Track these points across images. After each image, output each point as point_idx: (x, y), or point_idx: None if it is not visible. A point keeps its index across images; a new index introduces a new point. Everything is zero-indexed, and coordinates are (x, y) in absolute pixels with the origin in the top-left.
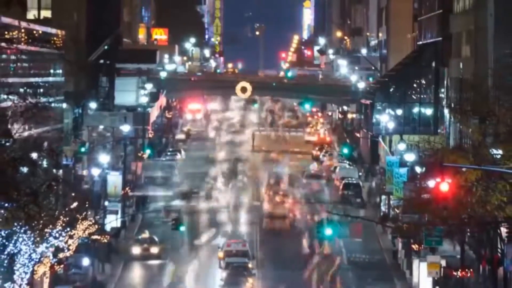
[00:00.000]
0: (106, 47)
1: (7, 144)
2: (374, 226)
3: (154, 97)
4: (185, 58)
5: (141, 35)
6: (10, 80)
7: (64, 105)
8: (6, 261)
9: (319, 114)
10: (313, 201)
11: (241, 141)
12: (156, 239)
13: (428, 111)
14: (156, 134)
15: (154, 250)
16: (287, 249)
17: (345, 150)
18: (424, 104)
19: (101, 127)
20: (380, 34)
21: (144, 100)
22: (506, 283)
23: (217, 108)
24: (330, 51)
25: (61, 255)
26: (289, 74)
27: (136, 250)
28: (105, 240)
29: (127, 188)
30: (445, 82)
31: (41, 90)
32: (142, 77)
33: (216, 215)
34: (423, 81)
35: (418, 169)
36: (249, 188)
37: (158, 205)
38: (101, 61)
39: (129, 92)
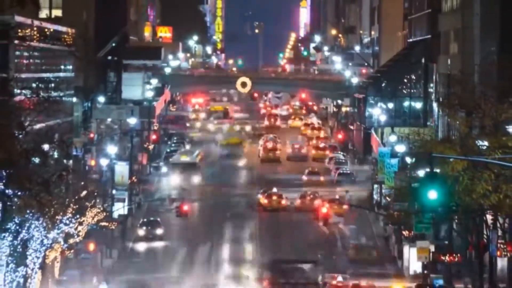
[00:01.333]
0: (113, 44)
1: (20, 136)
2: (367, 213)
3: (159, 92)
4: (188, 54)
5: (147, 33)
6: (24, 75)
7: (74, 99)
8: (19, 247)
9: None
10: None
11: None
12: (160, 221)
13: (418, 105)
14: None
15: (158, 232)
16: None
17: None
18: (414, 98)
19: (109, 120)
20: (373, 32)
21: (149, 94)
22: (491, 267)
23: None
24: (326, 48)
25: (71, 241)
26: (287, 69)
27: (141, 232)
28: (113, 227)
29: (133, 177)
30: (434, 78)
31: (53, 85)
32: (148, 72)
33: None
34: (413, 77)
35: (408, 160)
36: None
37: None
38: (109, 57)
39: (136, 87)
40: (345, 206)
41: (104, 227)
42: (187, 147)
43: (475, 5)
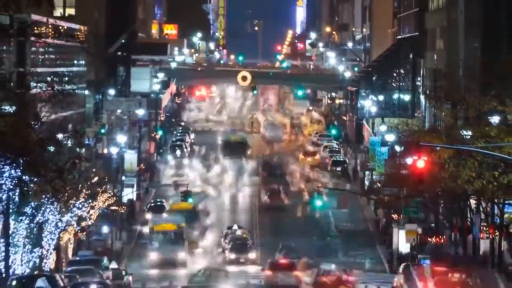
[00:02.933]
0: (123, 40)
1: (36, 126)
2: (359, 198)
3: (165, 85)
4: (192, 50)
5: (154, 30)
6: (39, 69)
7: (86, 92)
8: (35, 229)
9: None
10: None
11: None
12: (166, 206)
13: (406, 97)
14: (168, 118)
15: (165, 215)
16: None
17: (333, 131)
18: (403, 91)
19: (119, 111)
20: (364, 30)
21: (156, 87)
22: (474, 248)
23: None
24: (320, 44)
25: (83, 224)
26: (284, 64)
27: (149, 215)
28: (122, 211)
29: (141, 165)
30: (421, 72)
31: (66, 78)
32: (155, 67)
33: None
34: (402, 71)
35: (397, 148)
36: None
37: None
38: (119, 53)
39: (143, 80)
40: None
41: (114, 211)
42: (192, 136)
43: (460, 4)
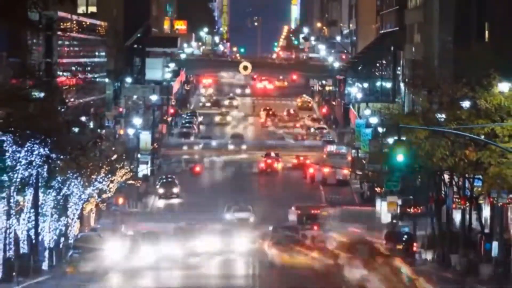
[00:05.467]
0: (138, 35)
1: (62, 110)
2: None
3: (176, 74)
4: (200, 43)
5: (166, 26)
6: (65, 60)
7: (106, 80)
8: (61, 201)
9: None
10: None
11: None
12: (177, 181)
13: (388, 85)
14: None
15: (175, 190)
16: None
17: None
18: (385, 79)
19: (135, 96)
20: (351, 25)
21: (168, 76)
22: (448, 217)
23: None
24: (312, 38)
25: (104, 196)
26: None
27: (161, 190)
28: (138, 184)
29: (155, 144)
30: (401, 62)
31: (88, 68)
32: (167, 58)
33: None
34: (384, 62)
35: (380, 130)
36: None
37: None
38: (135, 45)
39: (157, 70)
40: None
41: (131, 185)
42: (200, 119)
43: (435, 3)
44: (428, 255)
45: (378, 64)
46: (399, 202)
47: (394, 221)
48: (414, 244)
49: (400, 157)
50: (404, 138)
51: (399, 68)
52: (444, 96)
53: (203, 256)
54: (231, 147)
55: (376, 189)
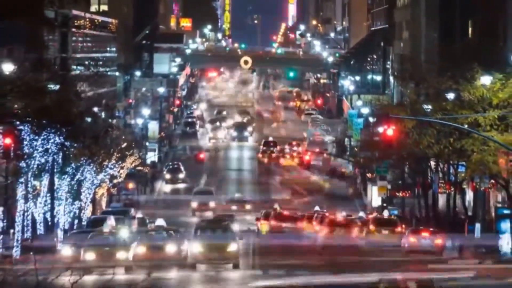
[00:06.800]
0: (147, 31)
1: (76, 101)
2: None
3: (181, 68)
4: (203, 39)
5: (172, 23)
6: (78, 55)
7: (117, 73)
8: (75, 185)
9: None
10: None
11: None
12: (182, 167)
13: (378, 78)
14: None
15: (181, 175)
16: None
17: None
18: (375, 72)
19: (144, 89)
20: (344, 23)
21: (174, 69)
22: (434, 200)
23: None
24: (308, 34)
25: (114, 181)
26: (279, 51)
27: (168, 175)
28: (146, 170)
29: (162, 133)
30: (390, 57)
31: (100, 62)
32: (173, 53)
33: None
34: (375, 56)
35: (371, 119)
36: None
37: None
38: (144, 41)
39: (164, 64)
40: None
41: (139, 171)
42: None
43: (422, 2)
44: None
45: (369, 59)
46: (389, 186)
47: (384, 204)
48: (401, 226)
49: (388, 145)
50: (393, 127)
51: (388, 63)
52: (430, 88)
53: None
54: (234, 134)
55: (367, 174)
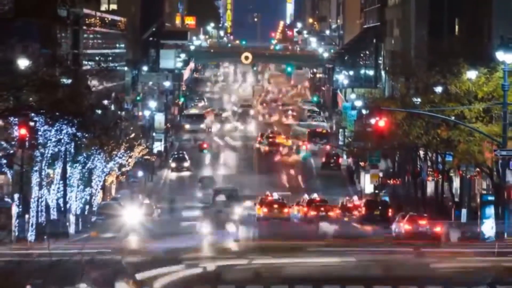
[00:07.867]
0: (154, 29)
1: (87, 94)
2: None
3: (186, 63)
4: (207, 36)
5: (177, 21)
6: (89, 51)
7: (125, 68)
8: (86, 173)
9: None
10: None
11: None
12: (187, 156)
13: (371, 72)
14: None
15: (186, 164)
16: None
17: (315, 98)
18: (368, 67)
19: (151, 83)
20: (339, 20)
21: (179, 65)
22: (422, 187)
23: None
24: (305, 31)
25: (123, 169)
26: (277, 47)
27: (173, 164)
28: (153, 159)
29: (167, 124)
30: (382, 53)
31: (110, 58)
32: (178, 49)
33: None
34: (367, 52)
35: (363, 111)
36: None
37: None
38: (150, 38)
39: (169, 59)
40: None
41: (147, 160)
42: (206, 102)
43: (412, 1)
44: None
45: (362, 55)
46: (380, 174)
47: (376, 191)
48: (390, 210)
49: (380, 136)
50: (384, 119)
51: (380, 58)
52: (419, 83)
53: None
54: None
55: (361, 163)
